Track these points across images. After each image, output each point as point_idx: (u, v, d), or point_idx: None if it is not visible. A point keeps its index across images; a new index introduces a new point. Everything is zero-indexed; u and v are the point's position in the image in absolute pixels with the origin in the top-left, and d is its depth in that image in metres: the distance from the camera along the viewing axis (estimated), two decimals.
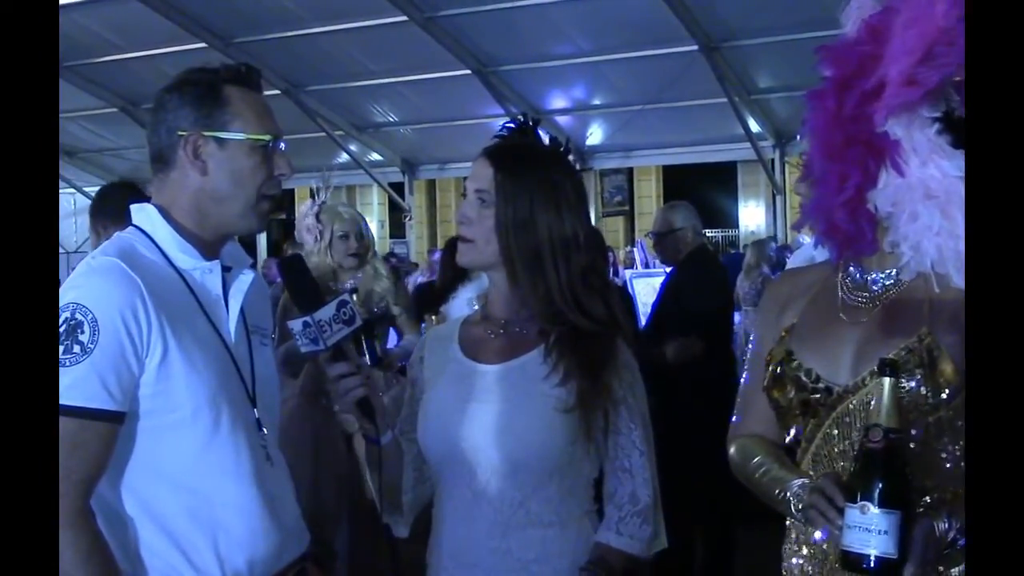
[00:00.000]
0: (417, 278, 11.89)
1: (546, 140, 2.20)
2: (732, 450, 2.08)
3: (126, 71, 13.74)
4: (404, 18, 11.41)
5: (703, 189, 18.11)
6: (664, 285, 5.18)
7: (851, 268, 1.97)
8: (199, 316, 1.91)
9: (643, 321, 5.30)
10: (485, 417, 2.00)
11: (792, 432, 1.98)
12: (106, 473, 1.83)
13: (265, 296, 2.16)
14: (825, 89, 1.85)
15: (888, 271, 1.92)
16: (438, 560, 2.07)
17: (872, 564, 1.67)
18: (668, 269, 5.26)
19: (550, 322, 2.02)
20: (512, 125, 2.14)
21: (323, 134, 14.20)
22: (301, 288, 1.93)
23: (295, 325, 1.90)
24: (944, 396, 1.82)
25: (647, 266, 9.92)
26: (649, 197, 21.22)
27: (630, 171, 20.71)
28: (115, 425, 1.81)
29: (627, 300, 5.08)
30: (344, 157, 15.59)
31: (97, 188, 16.62)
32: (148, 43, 12.73)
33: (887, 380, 1.72)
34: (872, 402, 1.78)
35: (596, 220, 14.53)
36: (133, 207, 1.99)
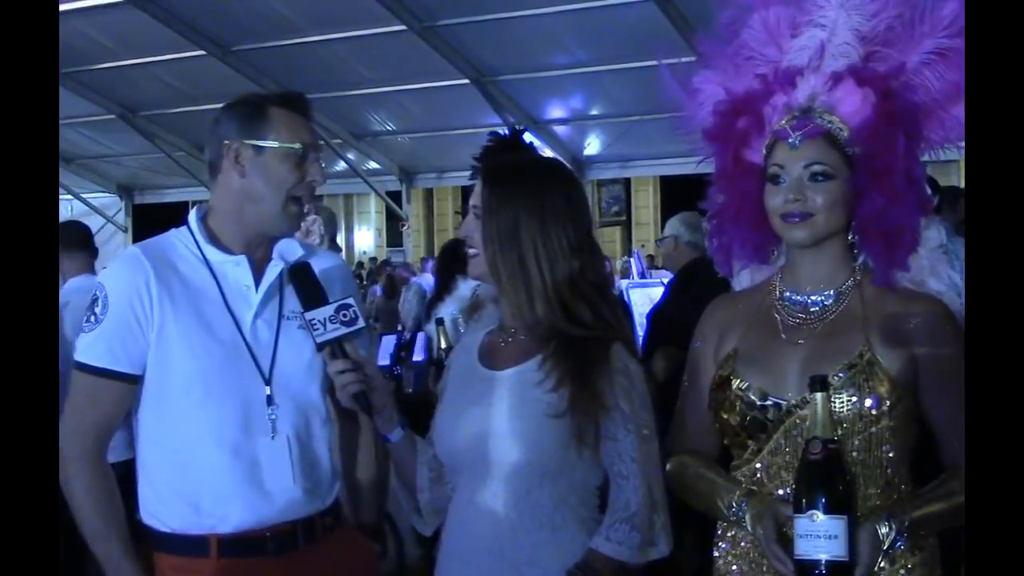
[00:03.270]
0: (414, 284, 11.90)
1: (547, 151, 2.26)
2: (669, 466, 2.17)
3: (124, 78, 13.78)
4: (403, 27, 11.45)
5: (701, 200, 18.09)
6: (663, 294, 5.21)
7: (787, 292, 2.07)
8: (215, 303, 2.19)
9: (640, 331, 5.30)
10: (481, 420, 2.06)
11: (741, 452, 2.06)
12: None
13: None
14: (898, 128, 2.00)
15: (827, 292, 2.03)
16: (440, 556, 2.14)
17: (823, 569, 1.77)
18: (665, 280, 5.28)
19: (542, 330, 2.06)
20: (498, 137, 2.22)
21: (321, 143, 14.23)
22: (303, 290, 2.15)
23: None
24: (885, 408, 1.93)
25: (643, 276, 9.94)
26: (646, 207, 21.30)
27: (627, 181, 20.78)
28: (126, 384, 2.15)
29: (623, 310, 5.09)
30: (342, 165, 15.63)
31: (94, 195, 16.53)
32: (147, 50, 12.79)
33: (819, 395, 1.83)
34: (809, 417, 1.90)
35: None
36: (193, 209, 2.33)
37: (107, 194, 17.88)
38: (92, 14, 11.92)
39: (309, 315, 2.08)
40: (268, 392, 2.17)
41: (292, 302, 2.22)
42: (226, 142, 2.19)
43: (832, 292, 2.03)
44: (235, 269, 2.20)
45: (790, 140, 1.99)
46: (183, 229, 2.25)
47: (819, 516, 1.77)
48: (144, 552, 2.15)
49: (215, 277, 2.19)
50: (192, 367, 2.13)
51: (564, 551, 2.01)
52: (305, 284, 2.15)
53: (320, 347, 2.08)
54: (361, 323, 2.09)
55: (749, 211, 2.07)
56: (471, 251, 2.14)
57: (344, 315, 2.07)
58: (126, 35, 12.53)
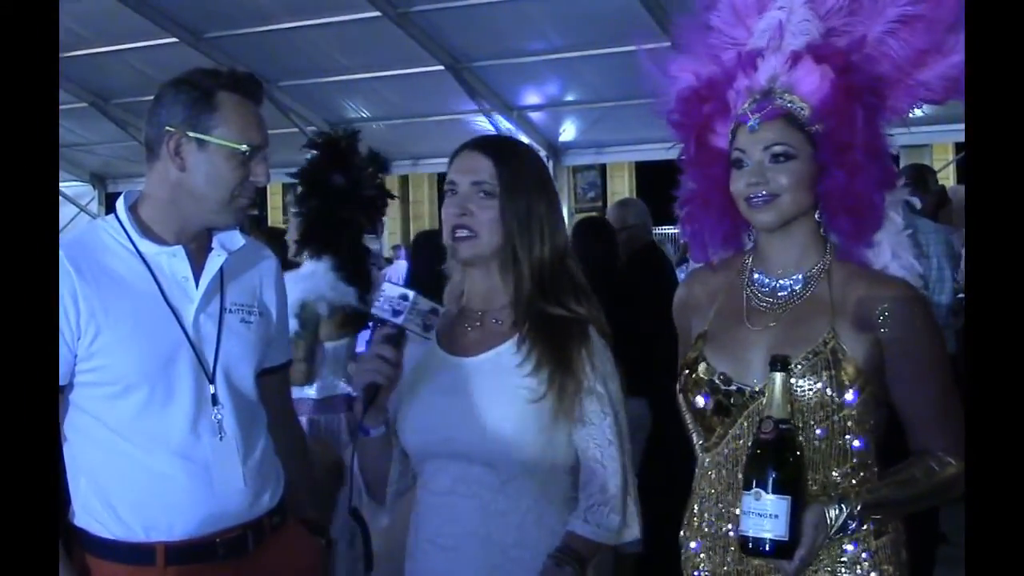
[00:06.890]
0: (389, 274, 11.88)
1: (523, 137, 2.28)
2: None
3: (96, 66, 13.61)
4: (377, 14, 11.37)
5: (676, 186, 18.11)
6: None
7: (757, 275, 2.08)
8: (153, 298, 2.06)
9: None
10: (461, 409, 2.04)
11: (709, 435, 2.07)
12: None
13: (255, 274, 2.24)
14: None
15: (795, 276, 2.04)
16: (415, 544, 2.12)
17: (768, 548, 1.77)
18: None
19: (520, 313, 2.06)
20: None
21: (296, 130, 14.15)
22: (424, 269, 2.03)
23: (392, 289, 1.95)
24: (849, 396, 1.93)
25: None
26: (622, 194, 21.24)
27: (603, 167, 20.78)
28: None
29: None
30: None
31: (67, 184, 16.36)
32: (118, 38, 12.64)
33: (778, 375, 1.83)
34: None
35: (569, 216, 14.56)
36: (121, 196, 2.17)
37: (80, 183, 17.69)
38: (63, 1, 11.79)
39: (416, 300, 1.94)
40: (212, 391, 2.07)
41: (234, 293, 2.13)
42: (168, 128, 2.05)
43: (800, 277, 2.03)
44: (171, 260, 2.07)
45: (749, 123, 2.00)
46: (111, 218, 2.11)
47: (764, 495, 1.76)
48: (76, 554, 2.04)
49: (150, 270, 2.06)
50: (133, 369, 2.01)
51: (551, 531, 2.03)
52: (430, 263, 2.12)
53: (395, 328, 1.95)
54: (434, 333, 2.05)
55: (718, 198, 2.08)
56: (464, 232, 2.06)
57: (431, 317, 2.00)
58: (98, 22, 12.38)
